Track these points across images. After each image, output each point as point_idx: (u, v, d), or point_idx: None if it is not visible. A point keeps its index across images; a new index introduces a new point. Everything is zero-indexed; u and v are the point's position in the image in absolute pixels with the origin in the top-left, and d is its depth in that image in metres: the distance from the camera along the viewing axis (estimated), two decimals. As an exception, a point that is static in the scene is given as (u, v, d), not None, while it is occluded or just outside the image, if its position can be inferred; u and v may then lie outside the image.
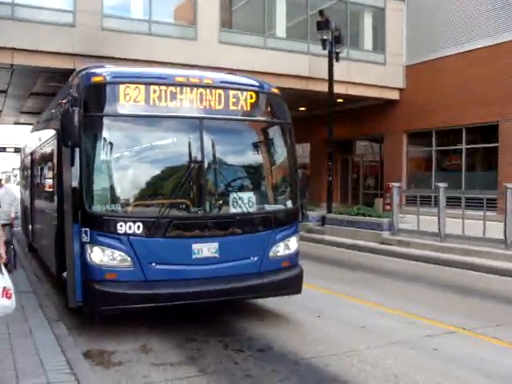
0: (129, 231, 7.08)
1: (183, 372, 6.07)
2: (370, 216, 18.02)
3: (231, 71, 20.57)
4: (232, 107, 7.90)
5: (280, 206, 8.40)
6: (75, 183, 7.25)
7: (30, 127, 19.41)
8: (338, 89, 23.17)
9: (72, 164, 7.37)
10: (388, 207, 19.54)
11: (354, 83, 24.37)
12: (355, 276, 12.43)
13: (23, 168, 19.23)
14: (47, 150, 11.21)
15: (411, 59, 25.60)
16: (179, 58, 20.58)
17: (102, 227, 7.11)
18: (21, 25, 18.46)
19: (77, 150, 7.20)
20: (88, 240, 7.08)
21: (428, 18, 24.66)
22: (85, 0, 19.58)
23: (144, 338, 7.27)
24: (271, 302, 8.99)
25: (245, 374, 5.99)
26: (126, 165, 7.71)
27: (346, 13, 25.03)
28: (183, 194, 7.64)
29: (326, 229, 19.78)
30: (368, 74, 24.68)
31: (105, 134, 7.33)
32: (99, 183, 7.35)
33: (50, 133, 10.61)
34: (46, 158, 11.60)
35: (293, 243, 8.23)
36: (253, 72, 21.87)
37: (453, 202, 16.73)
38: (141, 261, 7.12)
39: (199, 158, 7.58)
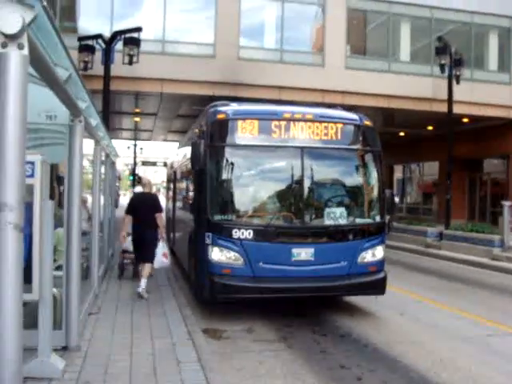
0: (242, 236, 8.97)
1: (274, 346, 7.87)
2: (482, 233, 18.79)
3: (356, 95, 22.47)
4: (328, 137, 9.60)
5: (368, 220, 9.95)
6: (202, 198, 9.34)
7: (176, 144, 22.19)
8: (461, 109, 24.06)
9: (200, 182, 9.51)
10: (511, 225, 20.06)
11: (477, 104, 24.90)
12: (451, 286, 13.54)
13: (168, 181, 22.01)
14: (184, 169, 13.51)
15: (538, 78, 25.69)
16: (307, 83, 22.59)
17: (221, 233, 9.03)
18: (169, 58, 21.37)
19: (203, 172, 9.24)
20: (210, 242, 9.05)
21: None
22: (224, 34, 22.10)
23: (251, 322, 9.10)
24: (363, 302, 10.54)
25: (320, 350, 7.68)
26: (241, 184, 9.58)
27: (470, 34, 25.65)
28: (286, 208, 9.59)
29: (442, 244, 20.76)
30: (493, 94, 25.06)
31: (225, 160, 9.28)
32: (220, 198, 9.37)
33: (186, 154, 12.84)
34: (183, 176, 13.94)
35: (379, 251, 9.73)
36: (377, 95, 23.43)
37: None
38: (250, 260, 8.97)
39: (300, 179, 9.39)
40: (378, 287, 9.62)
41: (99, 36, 18.73)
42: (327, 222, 9.43)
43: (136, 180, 43.49)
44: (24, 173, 3.32)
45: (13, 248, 3.23)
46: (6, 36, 3.12)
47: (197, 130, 10.79)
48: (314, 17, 24.41)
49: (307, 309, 10.12)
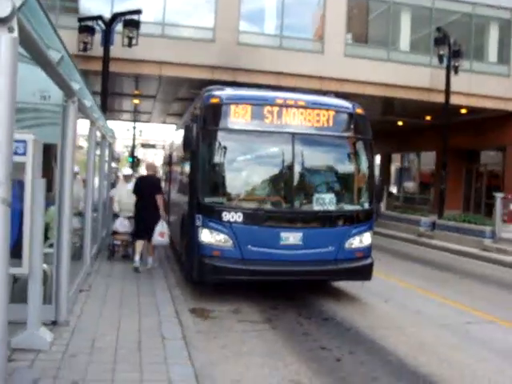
0: (231, 219, 9.13)
1: (258, 327, 8.09)
2: (474, 223, 19.01)
3: (355, 83, 22.55)
4: (319, 124, 9.74)
5: (357, 207, 10.12)
6: (194, 180, 9.51)
7: (174, 127, 22.30)
8: (459, 100, 24.21)
9: (192, 165, 9.70)
10: (504, 217, 20.21)
11: (476, 95, 24.99)
12: (440, 275, 13.77)
13: (164, 164, 22.16)
14: (178, 152, 13.68)
15: (538, 71, 25.77)
16: (306, 70, 22.67)
17: (211, 215, 9.19)
18: (168, 41, 21.43)
19: (196, 155, 9.43)
20: (200, 224, 9.22)
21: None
22: (224, 18, 22.17)
23: (237, 304, 9.30)
24: (351, 288, 10.74)
25: (303, 332, 7.89)
26: (232, 168, 9.73)
27: (470, 25, 25.70)
28: (276, 192, 9.85)
29: (435, 234, 20.97)
30: (491, 85, 25.14)
31: (217, 143, 9.42)
32: (211, 181, 9.56)
33: (181, 138, 12.98)
34: (178, 159, 14.11)
35: (366, 238, 9.91)
36: (375, 84, 23.52)
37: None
38: (239, 243, 9.14)
39: (290, 164, 9.55)
40: (365, 273, 9.82)
41: (99, 17, 18.78)
42: (316, 207, 9.59)
43: (135, 162, 43.65)
44: (11, 150, 3.47)
45: (0, 222, 3.40)
46: (-4, 19, 3.27)
47: (191, 114, 10.94)
48: (314, 4, 24.40)
49: (294, 293, 10.31)
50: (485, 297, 11.16)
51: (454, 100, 23.16)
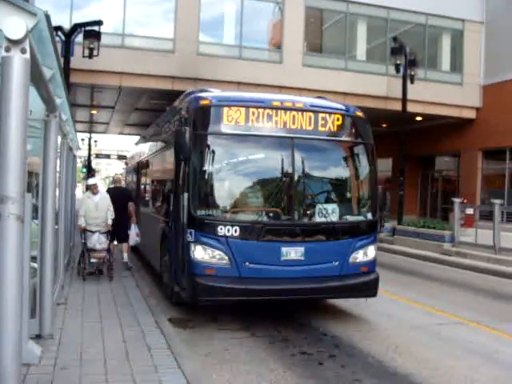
0: (227, 234, 8.25)
1: (238, 335, 8.23)
2: (434, 228, 19.56)
3: (313, 92, 22.90)
4: (320, 128, 8.98)
5: (360, 218, 9.45)
6: (182, 192, 8.48)
7: (134, 138, 22.28)
8: (415, 108, 24.85)
9: (181, 174, 8.78)
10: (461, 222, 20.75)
11: (431, 103, 25.78)
12: (404, 279, 14.26)
13: (129, 174, 21.90)
14: (153, 161, 13.52)
15: (488, 79, 26.73)
16: (266, 79, 22.93)
17: (204, 229, 8.29)
18: (128, 52, 21.47)
19: (185, 163, 8.52)
20: (192, 240, 8.30)
21: (507, 39, 25.60)
22: (183, 29, 22.34)
23: (213, 312, 9.35)
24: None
25: (282, 338, 8.09)
26: (226, 176, 8.97)
27: (424, 35, 26.50)
28: (275, 203, 8.84)
29: (395, 239, 21.48)
30: (445, 93, 26.00)
31: (210, 149, 8.47)
32: (203, 191, 8.60)
33: (158, 146, 12.69)
34: (152, 169, 13.84)
35: (371, 251, 9.25)
36: (334, 93, 23.92)
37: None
38: (236, 260, 8.28)
39: (290, 172, 8.71)
40: (371, 289, 9.19)
41: (59, 28, 18.63)
42: (319, 219, 8.90)
43: (91, 173, 43.16)
44: (25, 167, 3.57)
45: (15, 238, 3.48)
46: (11, 41, 3.37)
47: (173, 119, 10.21)
48: (272, 14, 24.81)
49: (284, 308, 10.15)
50: (449, 299, 11.54)
51: (411, 108, 23.79)
